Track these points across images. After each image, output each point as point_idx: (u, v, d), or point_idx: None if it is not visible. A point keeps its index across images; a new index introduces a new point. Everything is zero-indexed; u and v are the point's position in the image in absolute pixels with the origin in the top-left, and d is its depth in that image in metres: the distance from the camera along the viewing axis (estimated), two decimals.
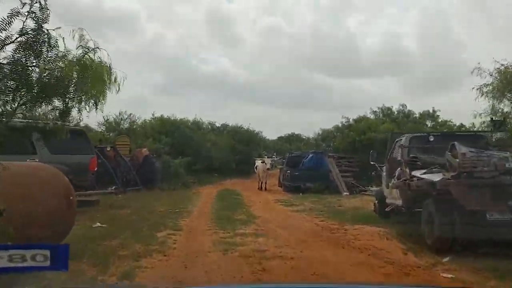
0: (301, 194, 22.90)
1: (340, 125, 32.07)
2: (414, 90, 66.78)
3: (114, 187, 20.59)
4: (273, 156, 44.43)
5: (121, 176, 23.01)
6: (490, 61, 15.30)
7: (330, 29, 76.55)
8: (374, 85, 73.31)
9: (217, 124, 43.79)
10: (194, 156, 29.22)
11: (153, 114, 34.27)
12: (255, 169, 26.57)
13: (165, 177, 26.04)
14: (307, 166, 24.66)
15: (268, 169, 24.62)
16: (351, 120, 31.78)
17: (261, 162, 24.89)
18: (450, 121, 33.69)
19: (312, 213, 15.20)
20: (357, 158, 28.17)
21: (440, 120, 35.94)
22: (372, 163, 14.42)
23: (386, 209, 13.00)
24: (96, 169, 14.61)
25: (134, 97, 60.73)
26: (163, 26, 79.88)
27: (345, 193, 23.95)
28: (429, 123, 36.00)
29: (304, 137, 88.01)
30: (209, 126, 42.50)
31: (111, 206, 14.97)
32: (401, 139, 12.38)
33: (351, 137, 28.19)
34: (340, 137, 29.29)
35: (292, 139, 73.33)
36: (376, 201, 14.16)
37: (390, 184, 12.15)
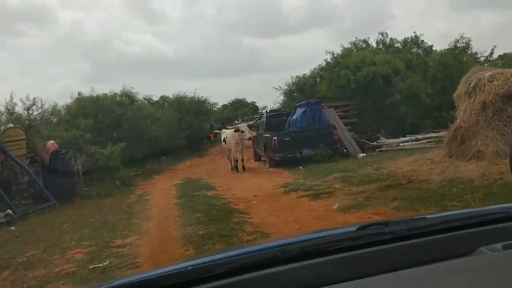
0: (300, 167, 15.17)
1: (324, 64, 24.03)
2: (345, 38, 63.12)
3: (6, 212, 12.25)
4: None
5: (18, 191, 14.53)
6: None
7: None
8: (305, 40, 69.58)
9: (154, 98, 35.14)
10: (130, 139, 20.76)
11: (71, 97, 25.01)
12: (223, 143, 18.35)
13: (92, 178, 17.67)
14: (300, 125, 16.78)
15: (250, 138, 16.54)
16: (336, 55, 23.79)
17: (234, 130, 16.66)
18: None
19: (382, 209, 7.49)
20: (353, 104, 20.64)
21: (426, 46, 28.82)
22: None
23: None
24: None
25: (63, 90, 52.87)
26: (79, 12, 70.89)
27: (361, 155, 16.41)
28: (415, 50, 28.76)
29: (249, 102, 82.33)
30: (145, 101, 33.74)
31: None
32: None
33: (344, 77, 20.39)
34: (328, 80, 21.39)
35: (238, 105, 68.08)
36: None
37: None
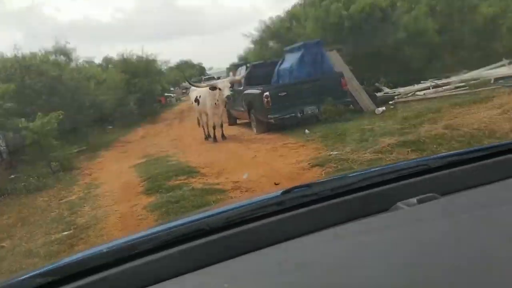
0: (306, 131, 11.17)
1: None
2: None
3: None
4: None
5: None
6: None
7: None
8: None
9: (96, 60, 30.02)
10: (70, 107, 16.10)
11: None
12: (194, 103, 13.79)
13: (16, 164, 13.10)
14: (297, 74, 12.61)
15: (228, 97, 11.96)
16: None
17: (210, 88, 12.21)
18: None
19: None
20: (345, 49, 16.50)
21: None
22: None
23: None
24: None
25: None
26: None
27: (379, 109, 12.54)
28: None
29: (195, 63, 78.22)
30: (85, 64, 28.65)
31: None
32: None
33: (335, 12, 16.17)
34: (313, 19, 17.06)
35: (184, 67, 65.30)
36: None
37: None
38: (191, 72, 62.81)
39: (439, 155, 1.62)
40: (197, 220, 1.35)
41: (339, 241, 1.12)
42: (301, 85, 12.13)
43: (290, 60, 13.07)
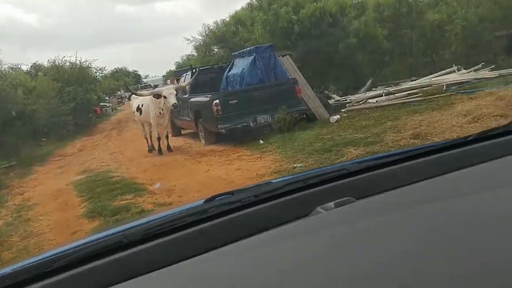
0: (261, 141, 10.48)
1: (253, 2, 18.72)
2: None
3: None
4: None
5: None
6: None
7: None
8: (177, 5, 65.78)
9: (24, 67, 28.13)
10: None
11: None
12: (136, 113, 12.74)
13: None
14: (249, 81, 11.87)
15: (174, 105, 10.95)
16: None
17: (154, 96, 11.24)
18: None
19: None
20: (294, 53, 15.90)
21: None
22: None
23: None
24: None
25: None
26: None
27: (334, 117, 11.98)
28: None
29: (131, 70, 76.53)
30: (10, 70, 26.72)
31: None
32: None
33: (284, 16, 15.53)
34: (262, 23, 16.33)
35: (118, 75, 63.90)
36: None
37: None
38: (126, 80, 61.41)
39: (357, 159, 1.65)
40: (116, 233, 1.28)
41: (261, 249, 1.08)
42: (253, 92, 11.41)
43: (241, 65, 12.32)
